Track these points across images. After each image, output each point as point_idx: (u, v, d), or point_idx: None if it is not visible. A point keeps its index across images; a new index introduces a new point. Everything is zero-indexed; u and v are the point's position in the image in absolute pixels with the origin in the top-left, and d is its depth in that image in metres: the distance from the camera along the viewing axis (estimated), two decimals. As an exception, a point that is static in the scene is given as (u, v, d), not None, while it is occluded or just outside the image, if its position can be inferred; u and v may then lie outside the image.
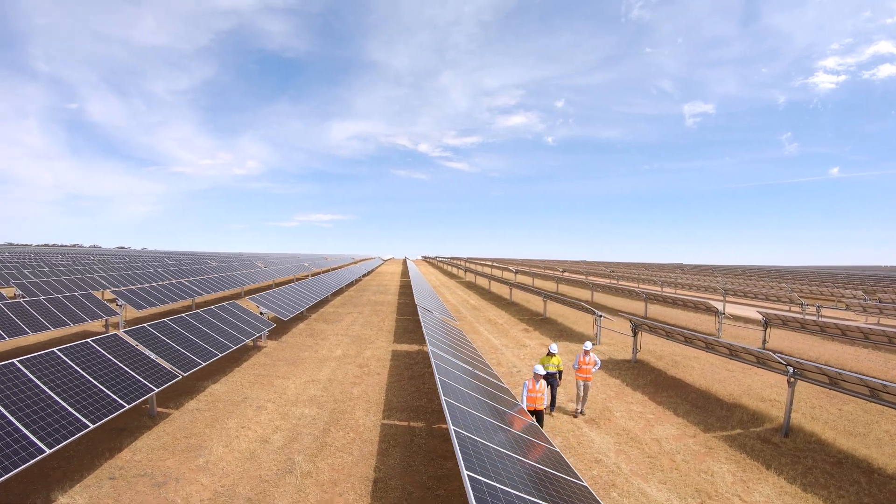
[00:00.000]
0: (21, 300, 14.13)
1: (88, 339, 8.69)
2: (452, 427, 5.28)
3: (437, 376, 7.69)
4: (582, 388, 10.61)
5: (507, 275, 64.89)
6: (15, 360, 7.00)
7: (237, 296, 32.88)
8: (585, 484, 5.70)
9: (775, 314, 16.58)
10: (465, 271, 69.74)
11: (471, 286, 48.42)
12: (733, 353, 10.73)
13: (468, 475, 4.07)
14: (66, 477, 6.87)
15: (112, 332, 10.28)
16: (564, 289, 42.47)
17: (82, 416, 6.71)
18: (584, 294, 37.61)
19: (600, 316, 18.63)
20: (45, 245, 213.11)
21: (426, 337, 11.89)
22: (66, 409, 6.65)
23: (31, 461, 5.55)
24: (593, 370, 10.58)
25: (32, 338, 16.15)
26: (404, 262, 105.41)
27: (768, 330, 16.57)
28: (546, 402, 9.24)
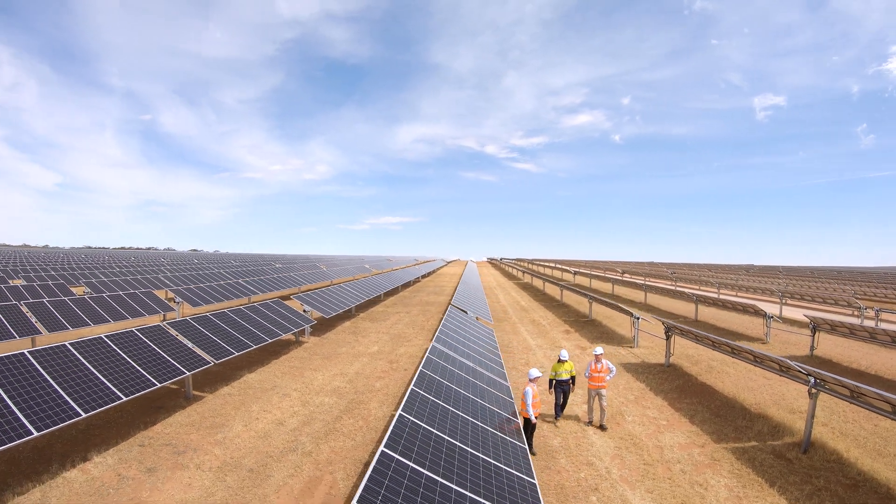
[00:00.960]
0: (86, 296, 16.36)
1: (133, 328, 10.18)
2: (399, 412, 5.63)
3: (419, 369, 8.06)
4: (595, 397, 9.90)
5: (566, 276, 63.90)
6: (66, 343, 8.49)
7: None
8: (535, 482, 5.76)
9: (823, 319, 14.82)
10: (524, 273, 69.49)
11: (526, 287, 48.13)
12: (757, 359, 9.88)
13: (382, 451, 4.42)
14: (103, 442, 8.15)
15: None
16: (621, 290, 40.80)
17: (118, 389, 7.97)
18: (638, 296, 35.86)
19: (637, 318, 17.83)
20: (122, 248, 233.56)
21: (437, 334, 12.25)
22: (105, 383, 7.94)
23: (69, 421, 6.77)
24: (608, 378, 9.86)
25: (97, 329, 18.21)
26: (467, 263, 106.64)
27: (817, 335, 14.92)
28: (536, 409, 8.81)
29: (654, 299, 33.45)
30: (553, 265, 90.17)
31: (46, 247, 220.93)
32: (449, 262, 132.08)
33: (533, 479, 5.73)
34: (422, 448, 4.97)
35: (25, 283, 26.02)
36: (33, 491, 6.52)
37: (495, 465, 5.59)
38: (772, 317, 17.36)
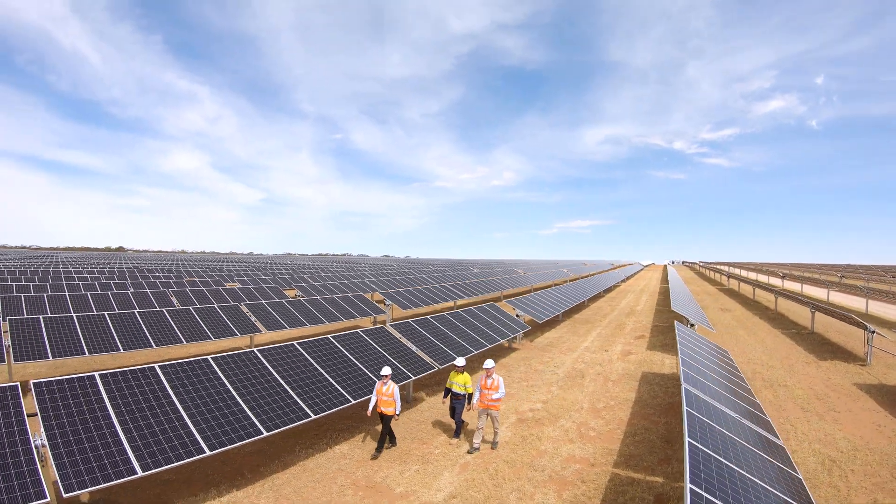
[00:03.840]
0: (301, 299, 17.84)
1: (215, 304, 15.47)
2: (255, 348, 8.40)
3: (329, 337, 10.45)
4: (485, 419, 8.59)
5: (723, 280, 59.60)
6: (164, 310, 14.11)
7: (497, 299, 35.02)
8: (312, 415, 7.65)
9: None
10: (667, 278, 63.12)
11: (665, 291, 44.21)
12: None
13: (211, 365, 7.23)
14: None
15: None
16: (761, 295, 37.80)
17: (183, 336, 13.10)
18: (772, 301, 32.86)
19: (693, 325, 15.38)
20: (320, 254, 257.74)
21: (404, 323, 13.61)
22: (174, 331, 13.15)
23: (143, 348, 11.84)
24: (494, 396, 8.51)
25: (310, 329, 20.00)
26: (624, 266, 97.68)
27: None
28: (398, 409, 8.36)
29: (787, 305, 30.33)
30: (727, 268, 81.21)
31: (251, 254, 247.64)
32: (617, 265, 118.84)
33: (310, 415, 7.83)
34: (253, 382, 7.78)
35: (241, 285, 34.10)
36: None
37: (298, 404, 7.95)
38: (874, 332, 13.91)
